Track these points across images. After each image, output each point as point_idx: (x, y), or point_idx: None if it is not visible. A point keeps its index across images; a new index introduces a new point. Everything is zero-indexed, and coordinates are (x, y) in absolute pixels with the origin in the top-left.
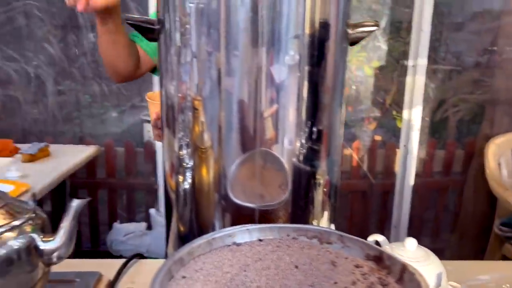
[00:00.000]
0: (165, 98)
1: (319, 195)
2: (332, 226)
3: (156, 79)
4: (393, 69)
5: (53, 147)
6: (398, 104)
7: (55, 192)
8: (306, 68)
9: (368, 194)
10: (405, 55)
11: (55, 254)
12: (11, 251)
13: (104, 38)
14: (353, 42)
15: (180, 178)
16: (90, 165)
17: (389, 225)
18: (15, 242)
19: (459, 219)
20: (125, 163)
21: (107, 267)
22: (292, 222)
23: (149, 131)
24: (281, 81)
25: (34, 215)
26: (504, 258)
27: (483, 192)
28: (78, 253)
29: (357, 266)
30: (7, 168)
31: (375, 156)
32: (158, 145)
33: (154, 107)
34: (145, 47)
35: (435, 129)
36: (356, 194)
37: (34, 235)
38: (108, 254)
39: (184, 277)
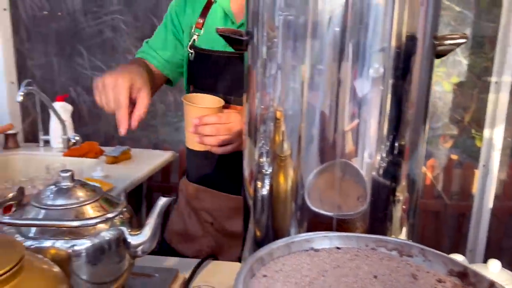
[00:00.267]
0: (249, 108)
1: (398, 212)
2: None
3: None
4: (474, 86)
5: (133, 151)
6: (477, 122)
7: (131, 193)
8: (390, 81)
9: (442, 215)
10: (487, 71)
11: (140, 248)
12: (103, 241)
13: None
14: (439, 55)
15: (259, 184)
16: (165, 170)
17: (463, 249)
18: (107, 233)
19: None
20: None
21: (182, 265)
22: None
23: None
24: (364, 94)
25: (124, 209)
26: None
27: None
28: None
29: (439, 281)
30: (93, 168)
31: (451, 175)
32: None
33: (194, 111)
34: (157, 64)
35: None
36: (429, 214)
37: (123, 228)
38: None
39: (265, 276)
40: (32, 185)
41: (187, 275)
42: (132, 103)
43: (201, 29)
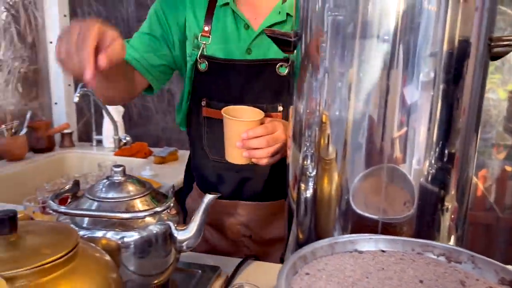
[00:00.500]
0: (294, 111)
1: (446, 221)
2: None
3: None
4: None
5: (180, 152)
6: None
7: (176, 192)
8: (441, 86)
9: (494, 228)
10: None
11: (185, 243)
12: (151, 234)
13: (104, 84)
14: (494, 57)
15: (303, 187)
16: None
17: None
18: (154, 227)
19: None
20: None
21: (225, 264)
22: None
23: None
24: (413, 99)
25: (172, 205)
26: None
27: None
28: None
29: None
30: (142, 168)
31: (505, 187)
32: None
33: (238, 126)
34: (141, 68)
35: None
36: (479, 226)
37: (170, 223)
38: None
39: (307, 273)
40: (85, 181)
41: (229, 273)
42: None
43: (208, 37)
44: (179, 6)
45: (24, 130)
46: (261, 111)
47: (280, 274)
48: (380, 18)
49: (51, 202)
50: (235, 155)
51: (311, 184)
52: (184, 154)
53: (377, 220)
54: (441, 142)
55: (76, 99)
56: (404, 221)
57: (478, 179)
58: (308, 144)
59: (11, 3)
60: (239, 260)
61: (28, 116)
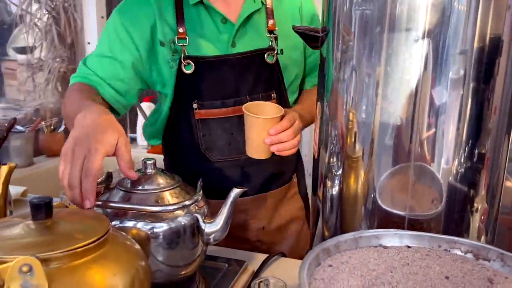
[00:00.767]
0: (321, 108)
1: (475, 222)
2: None
3: None
4: None
5: None
6: None
7: None
8: (471, 85)
9: None
10: None
11: (212, 236)
12: (180, 226)
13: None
14: None
15: (329, 184)
16: None
17: None
18: (183, 219)
19: None
20: None
21: (251, 259)
22: None
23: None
24: (442, 98)
25: (200, 198)
26: None
27: None
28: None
29: None
30: None
31: None
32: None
33: (263, 123)
34: (109, 97)
35: None
36: None
37: (198, 216)
38: None
39: (330, 265)
40: (118, 175)
41: (255, 268)
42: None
43: (185, 38)
44: (142, 18)
45: (62, 127)
46: (278, 105)
47: (303, 265)
48: (409, 14)
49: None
50: (261, 151)
51: (337, 182)
52: None
53: (403, 217)
54: (470, 141)
55: None
56: (431, 219)
57: None
58: (334, 142)
59: (52, 5)
60: (265, 255)
61: None
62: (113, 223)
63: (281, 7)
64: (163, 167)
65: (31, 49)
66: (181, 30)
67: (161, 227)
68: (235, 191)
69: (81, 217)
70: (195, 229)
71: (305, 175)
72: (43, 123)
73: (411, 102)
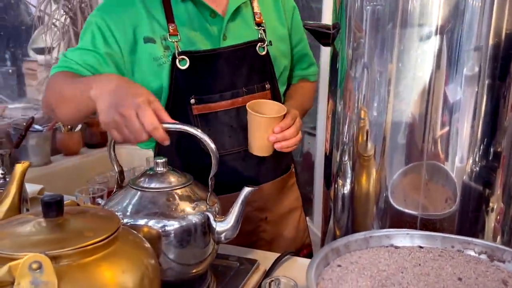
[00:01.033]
0: (332, 105)
1: (490, 222)
2: None
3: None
4: None
5: None
6: None
7: None
8: (486, 82)
9: None
10: None
11: (223, 234)
12: (191, 224)
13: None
14: None
15: (340, 183)
16: None
17: None
18: (194, 217)
19: None
20: None
21: (263, 258)
22: None
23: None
24: (456, 95)
25: (211, 196)
26: None
27: None
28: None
29: None
30: None
31: None
32: (319, 155)
33: (267, 122)
34: None
35: None
36: None
37: (209, 214)
38: None
39: (339, 266)
40: (134, 174)
41: (266, 267)
42: None
43: (177, 35)
44: (124, 18)
45: (79, 127)
46: (279, 103)
47: (311, 265)
48: (422, 9)
49: None
50: (265, 148)
51: (348, 181)
52: None
53: (416, 216)
54: (485, 139)
55: None
56: (444, 219)
57: None
58: (346, 140)
59: (69, 6)
60: (276, 254)
61: None
62: (126, 220)
63: (264, 1)
64: None
65: (49, 50)
66: (172, 26)
67: (173, 225)
68: (246, 190)
69: (91, 215)
70: (206, 228)
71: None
72: (60, 122)
73: (424, 99)
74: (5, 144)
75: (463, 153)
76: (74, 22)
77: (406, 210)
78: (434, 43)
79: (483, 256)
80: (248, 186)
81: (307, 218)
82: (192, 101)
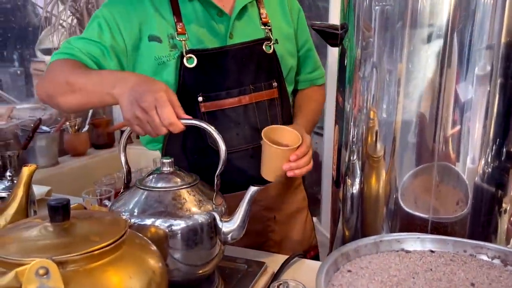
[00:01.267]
0: (341, 106)
1: (503, 225)
2: None
3: None
4: None
5: None
6: None
7: None
8: (499, 81)
9: None
10: None
11: (230, 235)
12: (197, 223)
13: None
14: None
15: (349, 184)
16: None
17: None
18: (200, 217)
19: None
20: None
21: (271, 260)
22: None
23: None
24: (467, 94)
25: (217, 196)
26: None
27: None
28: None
29: None
30: None
31: None
32: (326, 155)
33: (283, 153)
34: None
35: None
36: None
37: (215, 214)
38: None
39: (349, 271)
40: (141, 175)
41: (275, 269)
42: None
43: (185, 33)
44: (131, 14)
45: (86, 127)
46: (294, 130)
47: (320, 270)
48: (432, 8)
49: None
50: (278, 175)
51: (357, 182)
52: None
53: (426, 219)
54: (498, 140)
55: None
56: (455, 222)
57: None
58: (355, 141)
59: (76, 7)
60: (285, 256)
61: (90, 114)
62: (133, 220)
63: (270, 1)
64: None
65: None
66: (179, 25)
67: (179, 225)
68: (252, 189)
69: (98, 219)
70: (212, 227)
71: None
72: (67, 123)
73: (435, 99)
74: (13, 145)
75: (475, 154)
76: (81, 22)
77: (417, 213)
78: (444, 42)
79: (496, 261)
80: (254, 186)
81: (315, 218)
82: (200, 98)
